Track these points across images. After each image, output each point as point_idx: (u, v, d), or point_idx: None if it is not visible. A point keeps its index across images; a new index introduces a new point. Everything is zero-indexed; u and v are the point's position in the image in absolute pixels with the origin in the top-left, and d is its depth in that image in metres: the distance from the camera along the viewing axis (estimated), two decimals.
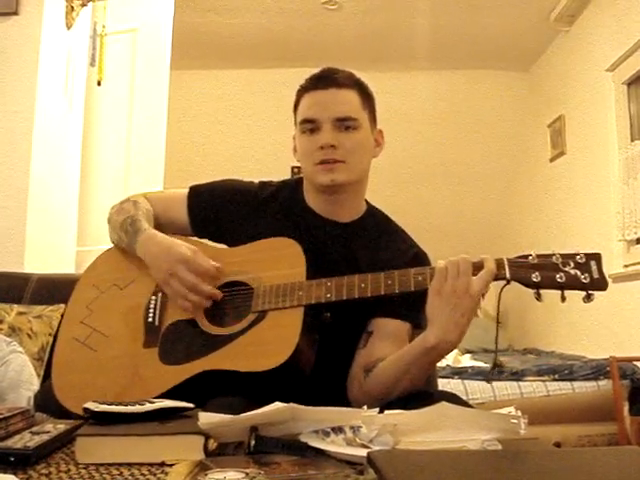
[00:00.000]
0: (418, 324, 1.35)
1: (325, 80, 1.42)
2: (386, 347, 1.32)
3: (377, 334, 1.36)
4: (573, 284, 1.15)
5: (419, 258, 1.42)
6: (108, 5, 3.44)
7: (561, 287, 1.15)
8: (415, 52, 5.23)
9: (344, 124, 1.39)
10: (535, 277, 1.16)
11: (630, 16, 3.79)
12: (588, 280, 1.14)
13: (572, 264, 1.16)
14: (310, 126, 1.41)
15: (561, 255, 1.17)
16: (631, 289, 3.70)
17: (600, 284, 1.15)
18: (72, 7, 3.14)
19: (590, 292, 1.15)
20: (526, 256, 1.18)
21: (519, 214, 5.77)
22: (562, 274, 1.15)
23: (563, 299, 1.16)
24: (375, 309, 1.36)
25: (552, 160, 5.08)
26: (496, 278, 1.18)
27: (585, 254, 1.16)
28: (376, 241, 1.45)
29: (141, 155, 3.45)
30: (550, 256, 1.17)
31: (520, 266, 1.18)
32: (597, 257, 1.17)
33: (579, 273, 1.15)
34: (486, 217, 5.80)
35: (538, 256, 1.18)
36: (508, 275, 1.17)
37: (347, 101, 1.41)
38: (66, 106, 3.24)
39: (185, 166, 4.95)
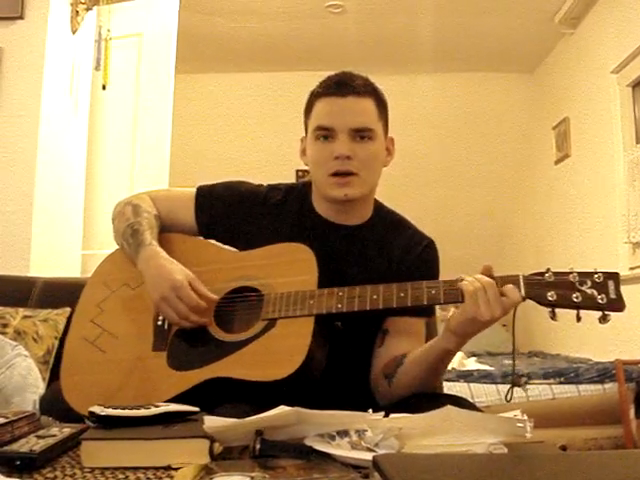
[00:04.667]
0: (430, 314, 1.39)
1: (343, 87, 1.37)
2: (403, 344, 1.34)
3: (393, 332, 1.37)
4: (589, 304, 1.12)
5: (427, 252, 1.44)
6: (113, 9, 3.44)
7: (577, 307, 1.13)
8: (419, 55, 5.23)
9: (360, 134, 1.37)
10: (551, 296, 1.13)
11: (634, 18, 3.77)
12: (605, 301, 1.11)
13: (589, 283, 1.12)
14: (325, 133, 1.37)
15: (578, 273, 1.13)
16: (637, 292, 3.67)
17: (617, 305, 1.12)
18: (77, 11, 3.16)
19: (606, 313, 1.12)
20: (542, 273, 1.15)
21: (524, 216, 5.75)
22: (578, 294, 1.12)
23: (578, 319, 1.13)
24: (386, 314, 1.35)
25: (557, 162, 5.07)
26: None
27: (603, 273, 1.13)
28: (386, 239, 1.44)
29: (146, 159, 3.45)
30: (567, 274, 1.14)
31: (536, 284, 1.15)
32: (615, 277, 1.13)
33: (596, 293, 1.12)
34: (491, 219, 5.79)
35: (555, 274, 1.14)
36: (523, 293, 1.15)
37: (365, 111, 1.38)
38: (71, 110, 3.25)
39: (190, 169, 4.95)
